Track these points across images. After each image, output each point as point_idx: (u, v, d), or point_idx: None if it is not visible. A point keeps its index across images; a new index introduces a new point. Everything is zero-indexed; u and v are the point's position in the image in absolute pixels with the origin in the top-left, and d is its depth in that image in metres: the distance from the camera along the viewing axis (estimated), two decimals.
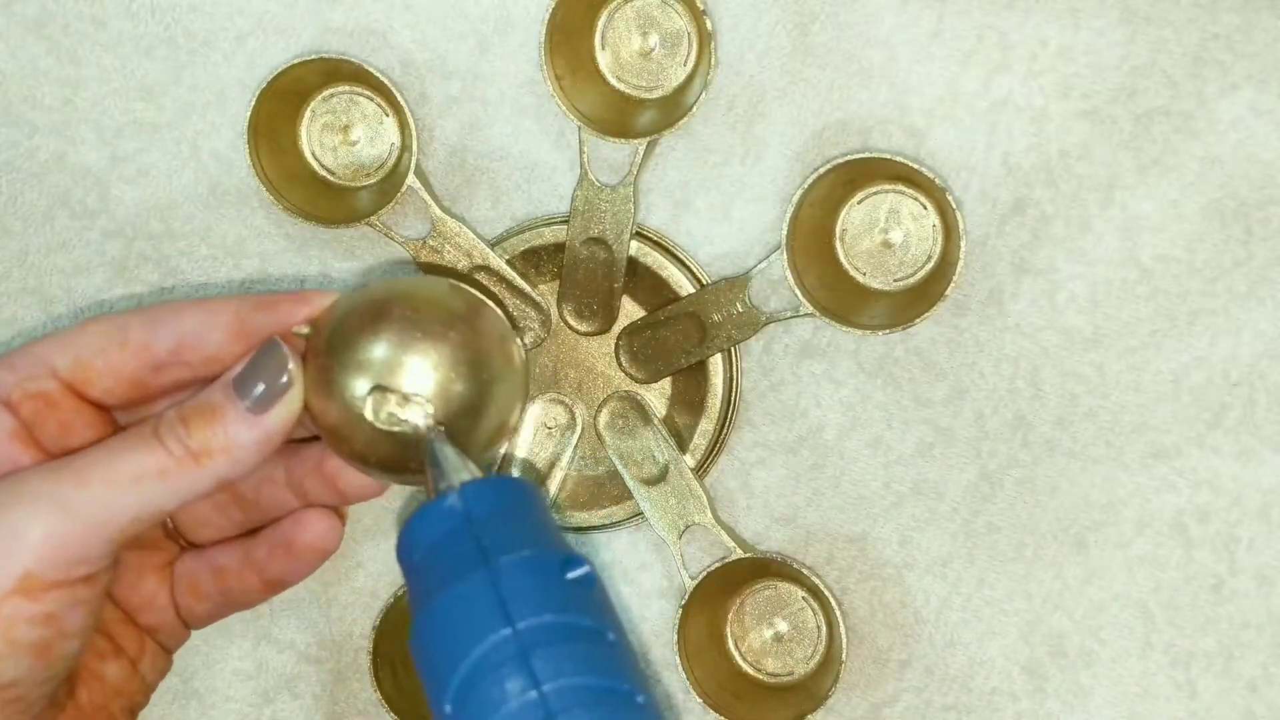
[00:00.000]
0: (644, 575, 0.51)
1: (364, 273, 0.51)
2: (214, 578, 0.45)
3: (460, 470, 0.39)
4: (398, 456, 0.41)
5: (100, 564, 0.40)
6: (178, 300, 0.44)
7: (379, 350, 0.41)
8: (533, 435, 0.50)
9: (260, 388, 0.40)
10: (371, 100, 0.50)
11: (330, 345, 0.41)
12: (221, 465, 0.40)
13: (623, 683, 0.35)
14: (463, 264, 0.49)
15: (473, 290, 0.44)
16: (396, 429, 0.40)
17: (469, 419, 0.41)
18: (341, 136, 0.50)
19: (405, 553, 0.39)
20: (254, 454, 0.40)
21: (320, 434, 0.43)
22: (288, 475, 0.45)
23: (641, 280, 0.50)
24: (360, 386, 0.40)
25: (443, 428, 0.40)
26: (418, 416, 0.40)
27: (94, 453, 0.40)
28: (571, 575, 0.37)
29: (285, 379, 0.41)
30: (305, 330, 0.42)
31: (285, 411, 0.41)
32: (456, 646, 0.35)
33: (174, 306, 0.43)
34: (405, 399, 0.40)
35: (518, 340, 0.44)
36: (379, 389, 0.40)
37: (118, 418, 0.44)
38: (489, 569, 0.36)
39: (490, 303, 0.44)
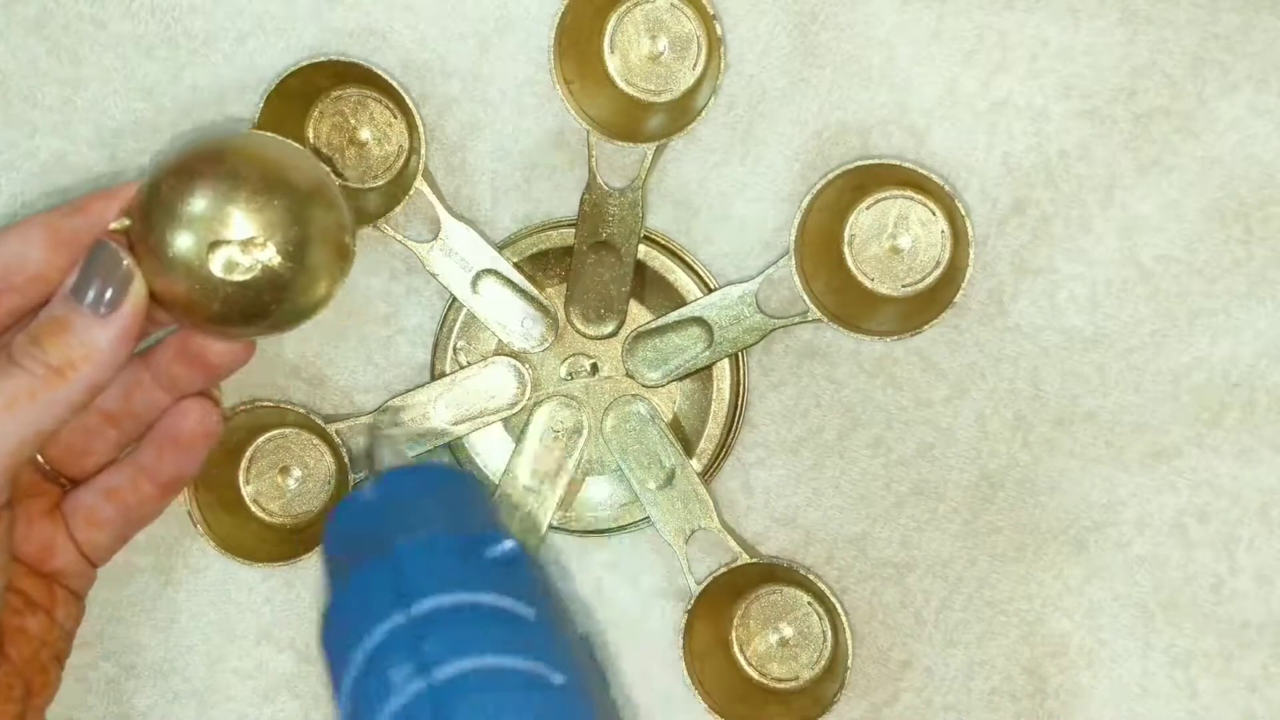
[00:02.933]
0: (646, 577, 0.51)
1: (368, 273, 0.51)
2: (109, 501, 0.45)
3: (388, 461, 0.38)
4: (255, 303, 0.41)
5: None
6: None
7: (204, 207, 0.41)
8: (539, 439, 0.50)
9: (104, 288, 0.41)
10: (380, 103, 0.50)
11: (155, 223, 0.41)
12: (87, 372, 0.40)
13: (537, 663, 0.32)
14: (469, 267, 0.49)
15: (264, 132, 0.45)
16: (249, 276, 0.41)
17: (304, 250, 0.42)
18: (349, 138, 0.50)
19: (326, 546, 0.38)
20: (115, 353, 0.41)
21: (172, 315, 0.43)
22: (153, 374, 0.45)
23: (649, 284, 0.50)
24: (200, 248, 0.41)
25: (292, 266, 0.41)
26: (266, 255, 0.41)
27: None
28: (492, 553, 0.35)
29: (123, 270, 0.41)
30: (125, 222, 0.42)
31: (134, 302, 0.41)
32: (348, 640, 0.33)
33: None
34: (246, 245, 0.41)
35: (328, 171, 0.44)
36: (218, 244, 0.41)
37: None
38: (390, 555, 0.34)
39: (286, 139, 0.44)
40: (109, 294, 0.41)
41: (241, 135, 0.44)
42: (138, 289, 0.41)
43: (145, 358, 0.45)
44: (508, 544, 0.35)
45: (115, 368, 0.41)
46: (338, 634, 0.33)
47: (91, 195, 0.43)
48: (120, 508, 0.45)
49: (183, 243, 0.41)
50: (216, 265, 0.41)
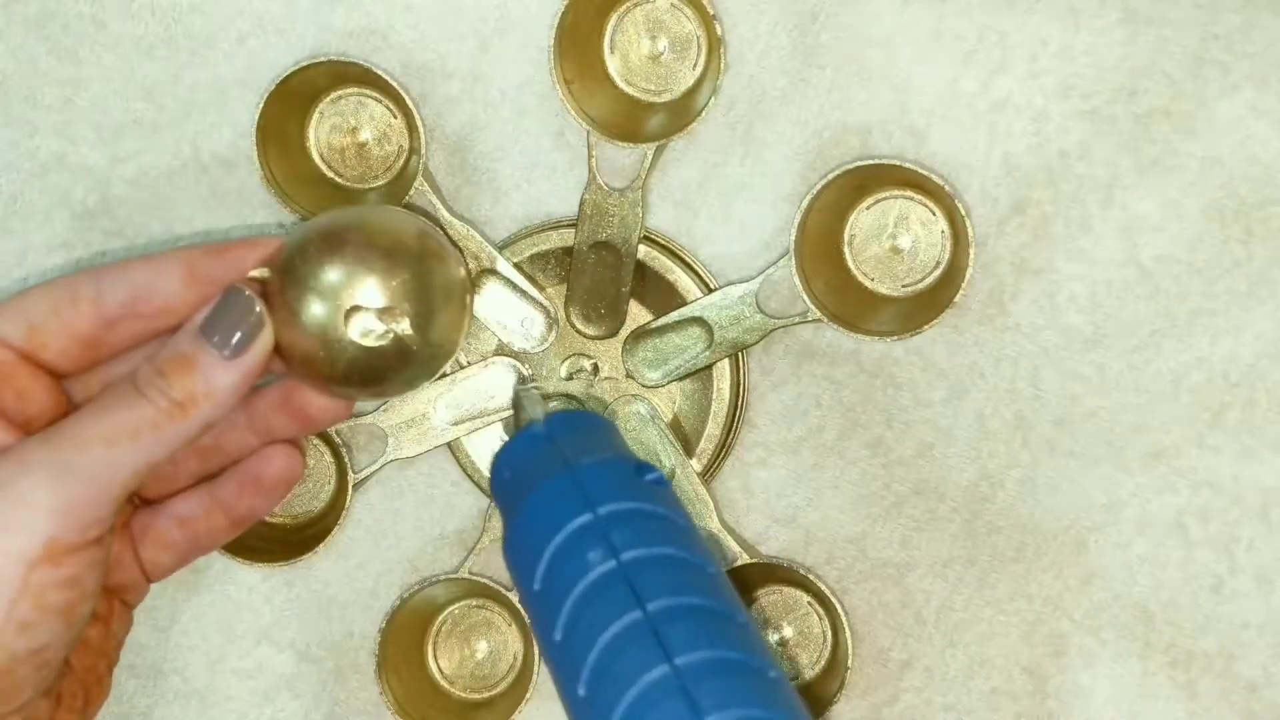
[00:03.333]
0: None
1: None
2: (180, 527, 0.46)
3: (540, 408, 0.44)
4: (379, 368, 0.43)
5: (109, 523, 0.41)
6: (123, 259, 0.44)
7: (346, 274, 0.42)
8: None
9: (233, 332, 0.42)
10: (380, 103, 0.50)
11: (295, 281, 0.42)
12: (206, 410, 0.41)
13: (693, 554, 0.39)
14: (469, 266, 0.49)
15: (401, 209, 0.47)
16: (379, 343, 0.43)
17: (431, 324, 0.43)
18: (350, 139, 0.50)
19: (497, 473, 0.43)
20: (234, 395, 0.42)
21: (290, 368, 0.43)
22: (249, 417, 0.46)
23: (649, 284, 0.50)
24: (336, 312, 0.42)
25: (419, 339, 0.43)
26: (400, 326, 0.43)
27: (84, 417, 0.41)
28: (648, 477, 0.42)
29: (255, 317, 0.42)
30: (265, 273, 0.43)
31: (259, 351, 0.42)
32: (544, 533, 0.39)
33: (121, 263, 0.43)
34: (384, 313, 0.42)
35: (455, 250, 0.46)
36: (355, 310, 0.42)
37: (67, 387, 0.44)
38: (571, 470, 0.40)
39: (424, 219, 0.46)
40: (237, 338, 0.42)
41: (383, 209, 0.46)
42: (265, 338, 0.42)
43: (245, 400, 0.45)
44: (658, 472, 0.42)
45: (231, 409, 0.42)
46: (529, 532, 0.40)
47: (234, 242, 0.43)
48: (190, 535, 0.46)
49: (320, 305, 0.42)
50: (352, 330, 0.42)
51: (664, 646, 0.36)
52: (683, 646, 0.36)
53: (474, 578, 0.50)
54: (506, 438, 0.46)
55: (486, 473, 0.51)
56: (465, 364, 0.50)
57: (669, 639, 0.36)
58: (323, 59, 0.49)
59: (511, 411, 0.46)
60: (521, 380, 0.48)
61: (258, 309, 0.42)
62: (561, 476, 0.40)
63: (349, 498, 0.50)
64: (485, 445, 0.51)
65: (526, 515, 0.40)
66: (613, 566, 0.38)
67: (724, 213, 0.50)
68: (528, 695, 0.49)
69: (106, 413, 0.41)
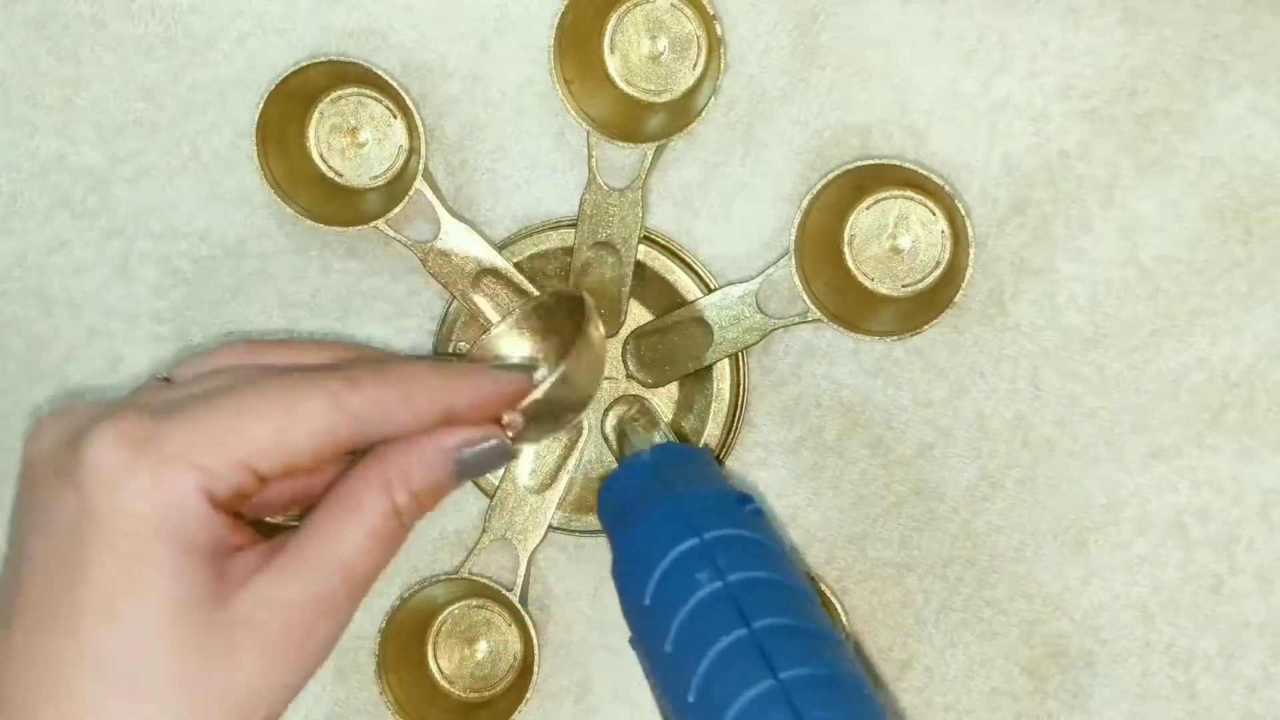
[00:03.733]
0: None
1: (368, 273, 0.51)
2: None
3: (645, 441, 0.47)
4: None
5: None
6: (378, 378, 0.40)
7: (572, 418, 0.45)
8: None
9: (482, 474, 0.42)
10: (380, 102, 0.50)
11: (536, 422, 0.43)
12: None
13: (792, 579, 0.42)
14: (469, 267, 0.49)
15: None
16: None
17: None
18: (349, 138, 0.50)
19: (607, 497, 0.46)
20: None
21: None
22: None
23: (649, 284, 0.50)
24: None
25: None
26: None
27: (330, 534, 0.39)
28: (747, 508, 0.44)
29: (505, 465, 0.45)
30: (519, 423, 0.42)
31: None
32: (653, 554, 0.42)
33: (382, 394, 0.39)
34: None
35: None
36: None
37: None
38: (677, 498, 0.43)
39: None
40: (482, 474, 0.42)
41: (597, 343, 0.46)
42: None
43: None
44: (755, 504, 0.45)
45: None
46: (639, 553, 0.43)
47: (491, 394, 0.42)
48: None
49: (539, 436, 0.44)
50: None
51: (769, 661, 0.39)
52: (786, 662, 0.39)
53: (474, 578, 0.50)
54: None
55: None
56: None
57: (773, 655, 0.39)
58: (323, 59, 0.48)
59: (615, 441, 0.49)
60: (629, 407, 0.49)
61: (512, 458, 0.42)
62: (669, 503, 0.43)
63: None
64: None
65: (636, 538, 0.43)
66: (719, 586, 0.40)
67: (724, 213, 0.50)
68: (528, 695, 0.49)
69: (359, 535, 0.39)
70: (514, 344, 0.47)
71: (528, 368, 0.45)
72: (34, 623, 0.37)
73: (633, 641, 0.44)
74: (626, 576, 0.43)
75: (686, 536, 0.42)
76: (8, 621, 0.37)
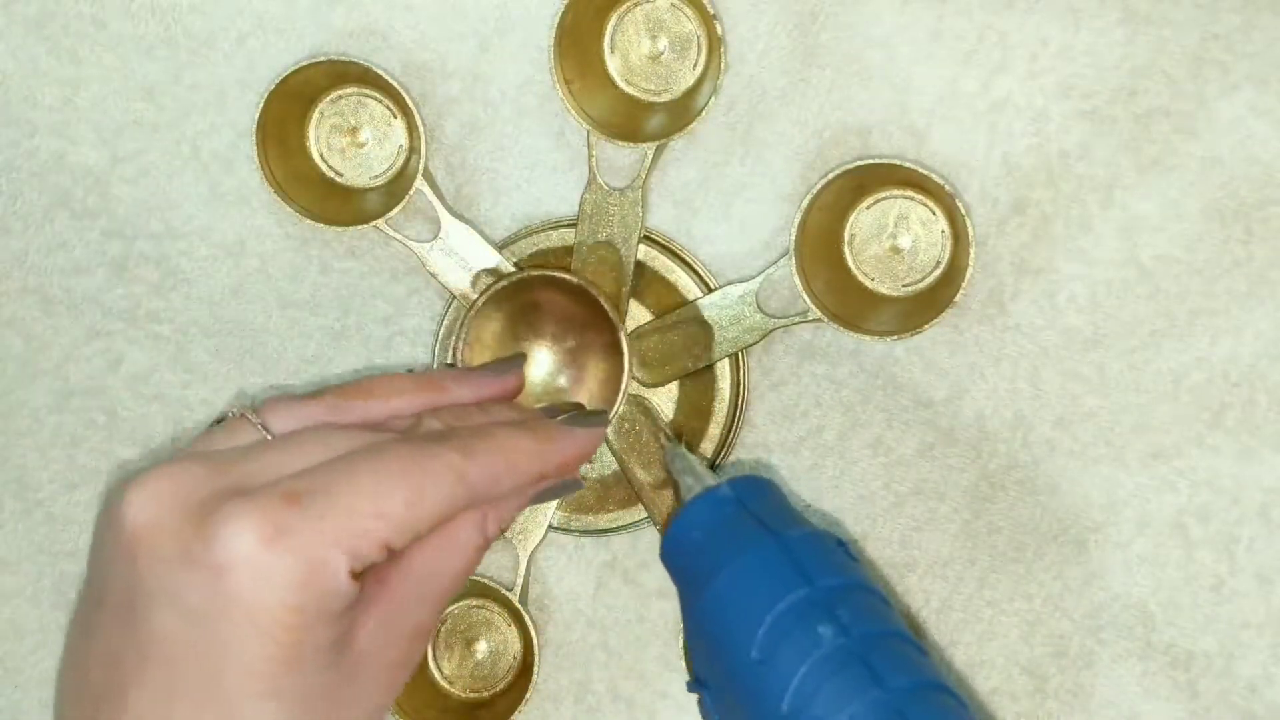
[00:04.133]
0: (644, 575, 0.51)
1: (368, 273, 0.51)
2: None
3: (707, 476, 0.46)
4: None
5: None
6: (489, 449, 0.41)
7: None
8: None
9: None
10: (380, 102, 0.50)
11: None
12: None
13: (908, 634, 0.41)
14: (470, 267, 0.49)
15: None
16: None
17: None
18: (349, 138, 0.50)
19: (684, 532, 0.44)
20: None
21: None
22: None
23: (649, 284, 0.50)
24: None
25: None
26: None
27: (435, 570, 0.41)
28: (847, 550, 0.44)
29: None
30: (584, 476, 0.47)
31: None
32: (757, 603, 0.40)
33: (493, 464, 0.41)
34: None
35: None
36: None
37: None
38: (779, 540, 0.42)
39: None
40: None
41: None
42: None
43: None
44: (847, 545, 0.44)
45: None
46: (741, 599, 0.41)
47: (577, 450, 0.44)
48: None
49: None
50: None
51: None
52: None
53: (474, 578, 0.50)
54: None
55: None
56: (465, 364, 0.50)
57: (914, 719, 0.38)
58: (323, 59, 0.48)
59: (671, 475, 0.48)
60: (674, 443, 0.49)
61: (580, 488, 0.45)
62: (774, 547, 0.42)
63: None
64: None
65: (733, 582, 0.42)
66: (844, 643, 0.39)
67: (724, 212, 0.50)
68: (528, 695, 0.49)
69: (452, 562, 0.41)
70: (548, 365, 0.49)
71: (601, 419, 0.46)
72: (169, 695, 0.38)
73: (693, 685, 0.42)
74: (723, 624, 0.41)
75: (797, 585, 0.40)
76: (135, 685, 0.38)
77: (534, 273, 0.48)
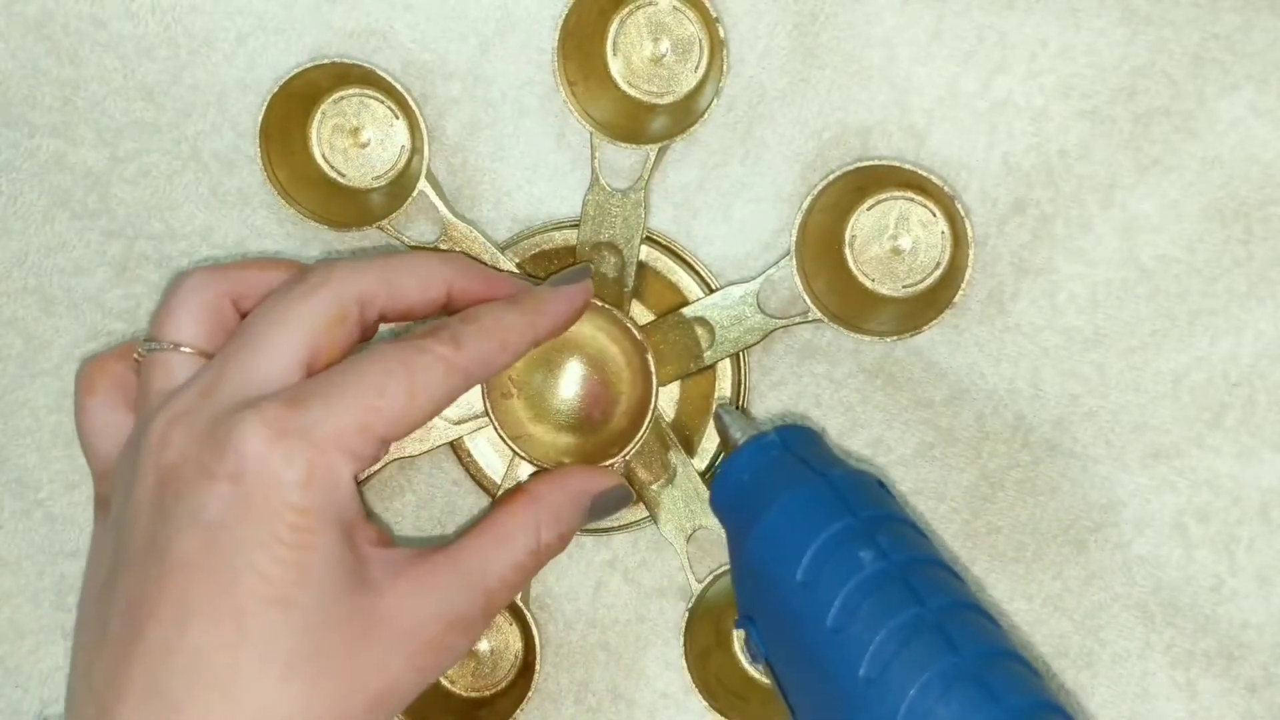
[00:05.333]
0: (643, 573, 0.51)
1: None
2: None
3: (753, 426, 0.47)
4: None
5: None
6: (477, 333, 0.43)
7: None
8: None
9: (604, 516, 0.47)
10: (382, 103, 0.50)
11: None
12: None
13: (948, 563, 0.43)
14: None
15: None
16: None
17: None
18: (352, 139, 0.50)
19: (734, 475, 0.46)
20: None
21: None
22: None
23: (651, 285, 0.50)
24: None
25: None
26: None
27: (492, 572, 0.43)
28: (887, 488, 0.45)
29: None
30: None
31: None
32: (802, 532, 0.42)
33: (483, 348, 0.43)
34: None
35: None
36: None
37: None
38: (824, 478, 0.44)
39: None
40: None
41: None
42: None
43: None
44: (888, 486, 0.46)
45: None
46: (787, 529, 0.43)
47: (567, 312, 0.46)
48: None
49: None
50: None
51: (949, 640, 0.40)
52: (965, 640, 0.40)
53: None
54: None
55: (488, 472, 0.51)
56: None
57: (954, 634, 0.40)
58: (326, 60, 0.48)
59: (717, 428, 0.48)
60: (723, 401, 0.50)
61: (631, 498, 0.48)
62: (818, 482, 0.44)
63: None
64: (487, 445, 0.51)
65: (784, 514, 0.43)
66: (885, 565, 0.41)
67: (724, 213, 0.50)
68: (529, 695, 0.49)
69: (502, 558, 0.43)
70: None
71: (584, 273, 0.47)
72: (185, 615, 0.38)
73: (741, 621, 0.44)
74: (770, 552, 0.43)
75: (840, 515, 0.42)
76: (152, 618, 0.38)
77: None
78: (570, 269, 0.48)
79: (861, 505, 0.43)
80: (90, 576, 0.42)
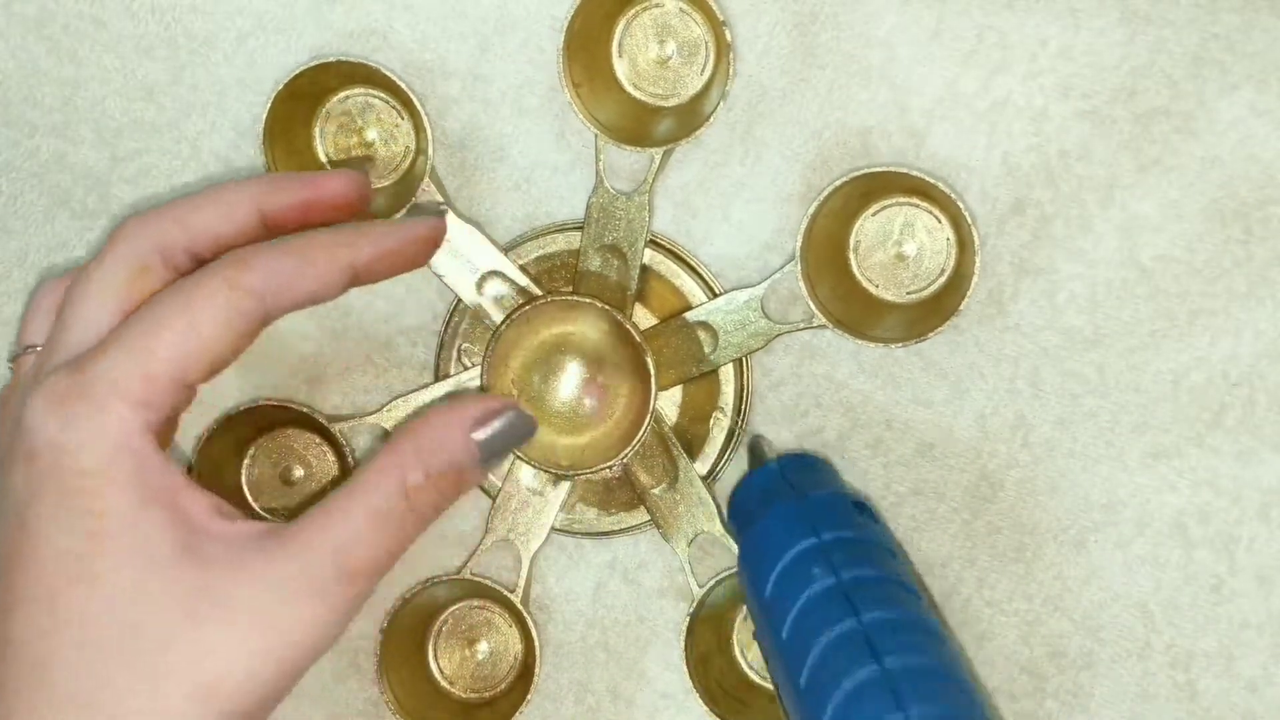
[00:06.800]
0: (644, 575, 0.51)
1: None
2: None
3: (771, 453, 0.49)
4: None
5: None
6: (270, 250, 0.40)
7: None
8: None
9: (505, 453, 0.42)
10: (386, 103, 0.50)
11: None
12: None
13: (903, 580, 0.45)
14: (474, 268, 0.49)
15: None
16: None
17: None
18: (356, 139, 0.50)
19: (739, 500, 0.49)
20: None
21: None
22: None
23: (654, 288, 0.50)
24: None
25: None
26: None
27: (344, 526, 0.38)
28: (863, 511, 0.47)
29: (528, 439, 0.43)
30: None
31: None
32: (774, 552, 0.45)
33: (276, 264, 0.39)
34: None
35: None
36: None
37: None
38: (798, 500, 0.46)
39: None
40: (504, 456, 0.42)
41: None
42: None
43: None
44: (870, 509, 0.48)
45: None
46: (763, 548, 0.46)
47: (398, 239, 0.43)
48: None
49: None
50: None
51: (874, 650, 0.41)
52: (891, 652, 0.41)
53: (475, 578, 0.50)
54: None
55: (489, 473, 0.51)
56: (470, 365, 0.50)
57: (879, 644, 0.41)
58: (330, 59, 0.48)
59: (747, 452, 0.50)
60: (759, 436, 0.50)
61: (534, 429, 0.43)
62: (792, 505, 0.46)
63: None
64: None
65: (761, 535, 0.46)
66: (832, 582, 0.43)
67: (724, 213, 0.50)
68: (528, 696, 0.49)
69: (354, 508, 0.39)
70: None
71: (434, 212, 0.45)
72: (11, 605, 0.36)
73: (756, 635, 0.47)
74: (751, 570, 0.46)
75: (806, 536, 0.45)
76: None
77: (560, 297, 0.48)
78: (427, 204, 0.45)
79: (827, 527, 0.45)
80: None
